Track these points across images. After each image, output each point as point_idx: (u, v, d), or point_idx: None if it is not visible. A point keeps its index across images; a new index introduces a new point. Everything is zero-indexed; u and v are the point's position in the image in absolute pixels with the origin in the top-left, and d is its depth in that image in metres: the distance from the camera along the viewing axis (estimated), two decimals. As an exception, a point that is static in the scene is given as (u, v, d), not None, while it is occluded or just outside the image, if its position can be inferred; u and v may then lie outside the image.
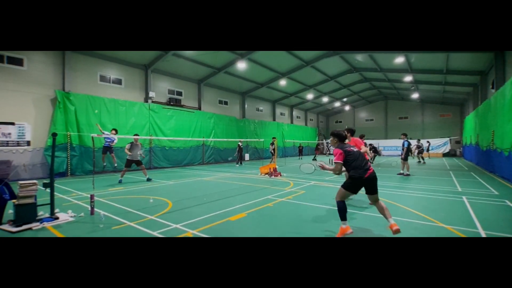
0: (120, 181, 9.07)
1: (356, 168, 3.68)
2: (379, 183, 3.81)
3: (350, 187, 3.74)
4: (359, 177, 3.64)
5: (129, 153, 9.17)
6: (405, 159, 10.94)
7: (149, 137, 13.60)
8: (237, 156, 17.22)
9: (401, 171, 11.08)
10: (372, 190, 3.68)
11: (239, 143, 17.22)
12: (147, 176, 9.62)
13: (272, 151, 15.88)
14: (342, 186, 3.78)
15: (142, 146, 9.95)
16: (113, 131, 10.12)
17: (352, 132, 5.77)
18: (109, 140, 9.96)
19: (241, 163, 17.22)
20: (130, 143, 9.37)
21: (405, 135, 11.09)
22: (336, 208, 3.74)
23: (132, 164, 9.33)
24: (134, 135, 9.95)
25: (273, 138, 15.06)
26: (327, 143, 24.61)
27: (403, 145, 10.89)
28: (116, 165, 10.53)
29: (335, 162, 3.74)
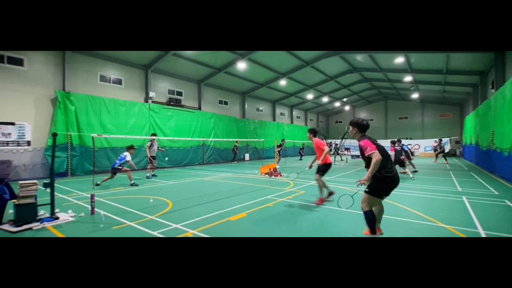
0: (148, 177, 10.19)
1: (386, 166, 3.13)
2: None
3: (382, 189, 3.17)
4: (393, 175, 3.14)
5: (149, 151, 10.22)
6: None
7: (149, 137, 13.58)
8: (233, 155, 18.26)
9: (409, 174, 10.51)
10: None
11: (236, 143, 18.48)
12: (151, 173, 10.44)
13: (278, 152, 15.73)
14: (369, 191, 3.23)
15: (158, 144, 11.16)
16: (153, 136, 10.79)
17: (315, 132, 5.98)
18: (119, 161, 8.60)
19: (235, 161, 18.50)
20: (150, 141, 10.42)
21: (399, 141, 10.75)
22: (362, 215, 3.21)
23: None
24: (152, 134, 11.23)
25: (283, 140, 16.17)
26: (335, 144, 24.55)
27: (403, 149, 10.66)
28: (132, 182, 8.54)
29: (372, 153, 3.13)
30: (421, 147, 27.68)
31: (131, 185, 8.39)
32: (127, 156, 8.62)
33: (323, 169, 5.84)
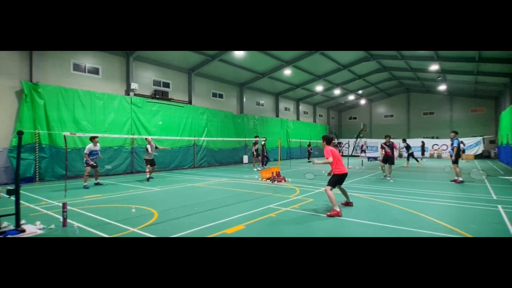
0: (148, 179, 11.15)
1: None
2: (394, 188, 3.79)
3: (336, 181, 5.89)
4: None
5: (148, 153, 11.18)
6: (455, 161, 10.26)
7: (130, 136, 13.62)
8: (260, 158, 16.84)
9: (456, 177, 10.38)
10: None
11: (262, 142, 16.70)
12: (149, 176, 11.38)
13: (255, 152, 16.15)
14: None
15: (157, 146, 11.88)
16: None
17: (328, 140, 6.37)
18: (96, 154, 9.84)
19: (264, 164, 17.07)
20: (148, 145, 11.26)
21: (456, 132, 10.42)
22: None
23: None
24: (146, 138, 11.84)
25: (257, 136, 15.86)
26: (359, 143, 24.62)
27: (453, 144, 10.22)
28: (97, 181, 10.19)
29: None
30: (449, 147, 27.69)
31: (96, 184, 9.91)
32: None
33: (332, 180, 6.08)
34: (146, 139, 11.78)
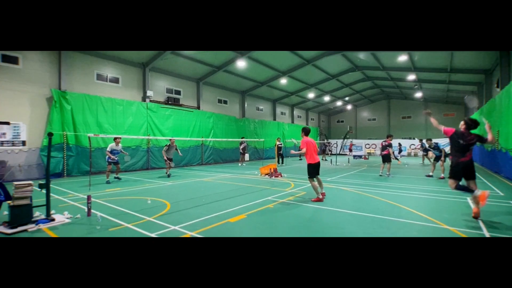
0: (169, 175, 11.02)
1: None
2: (376, 183, 3.79)
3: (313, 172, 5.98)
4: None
5: (165, 154, 10.93)
6: (443, 159, 10.32)
7: (146, 137, 13.61)
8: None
9: (430, 173, 10.63)
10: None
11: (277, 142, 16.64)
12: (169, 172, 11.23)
13: (242, 151, 16.64)
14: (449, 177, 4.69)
15: (177, 147, 11.54)
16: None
17: (306, 132, 6.39)
18: (117, 153, 9.72)
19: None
20: (167, 145, 11.07)
21: (430, 139, 11.13)
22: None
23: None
24: (170, 138, 11.71)
25: (242, 138, 16.40)
26: (346, 143, 24.35)
27: (439, 146, 10.76)
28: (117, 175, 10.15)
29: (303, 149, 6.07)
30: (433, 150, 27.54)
31: (116, 177, 9.95)
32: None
33: (309, 171, 6.25)
34: (170, 139, 11.44)
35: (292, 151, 6.75)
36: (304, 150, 6.13)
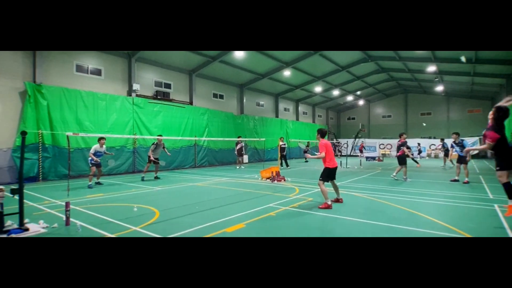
0: (142, 178, 11.19)
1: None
2: (391, 188, 3.81)
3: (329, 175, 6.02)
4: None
5: (152, 154, 11.11)
6: (466, 162, 10.16)
7: (132, 136, 13.62)
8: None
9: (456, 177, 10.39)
10: None
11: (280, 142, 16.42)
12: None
13: (238, 153, 17.01)
14: (498, 169, 4.67)
15: (164, 146, 11.71)
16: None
17: (322, 133, 6.46)
18: (100, 155, 9.84)
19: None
20: (154, 143, 11.29)
21: (457, 134, 10.53)
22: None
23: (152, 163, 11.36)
24: (158, 135, 11.77)
25: (239, 137, 16.80)
26: (358, 143, 24.43)
27: (464, 145, 10.32)
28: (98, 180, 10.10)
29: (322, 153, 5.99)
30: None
31: (97, 183, 9.87)
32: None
33: (324, 174, 6.26)
34: (157, 138, 11.57)
35: (308, 155, 6.75)
36: (323, 154, 6.13)
